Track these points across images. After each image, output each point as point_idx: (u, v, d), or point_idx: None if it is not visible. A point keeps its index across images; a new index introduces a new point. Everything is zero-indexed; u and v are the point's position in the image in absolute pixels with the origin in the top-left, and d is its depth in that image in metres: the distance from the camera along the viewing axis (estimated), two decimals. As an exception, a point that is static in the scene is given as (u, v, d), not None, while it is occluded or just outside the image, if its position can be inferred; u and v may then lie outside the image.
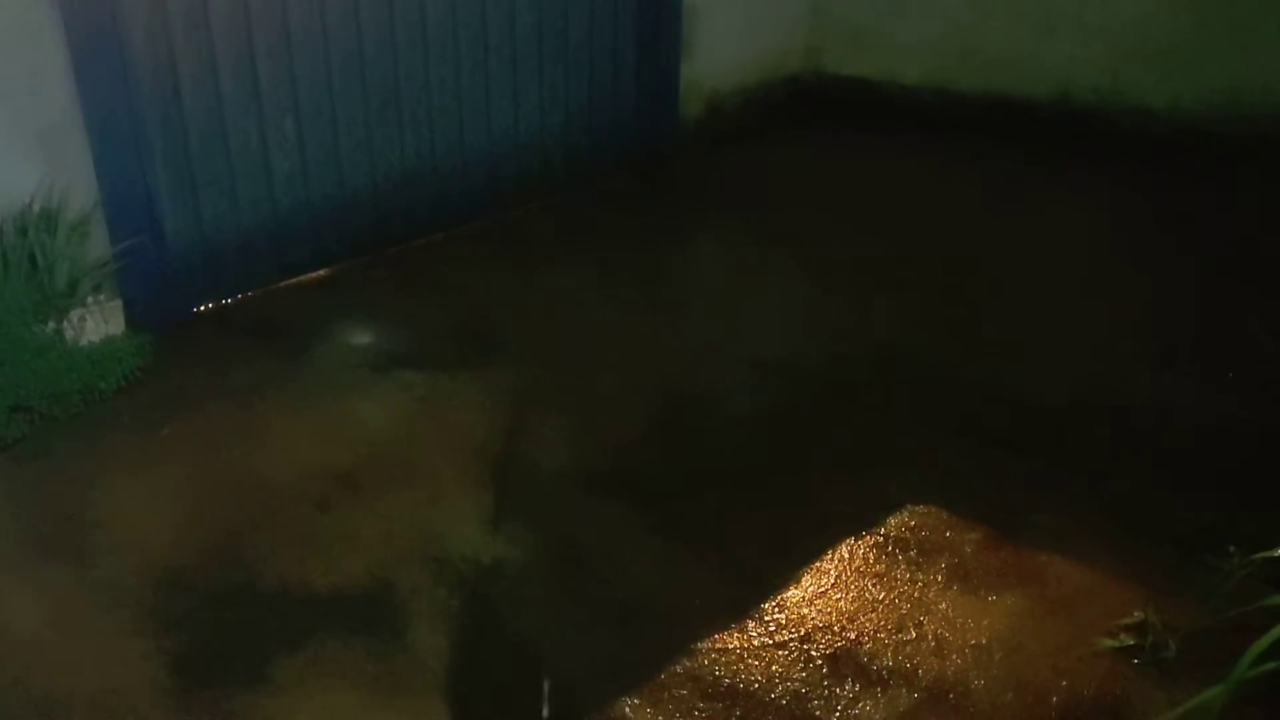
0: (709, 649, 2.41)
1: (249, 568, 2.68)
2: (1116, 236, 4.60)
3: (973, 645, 2.42)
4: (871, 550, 2.73)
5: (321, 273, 4.32)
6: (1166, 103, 5.32)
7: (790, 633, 2.46)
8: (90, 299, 3.57)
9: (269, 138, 4.04)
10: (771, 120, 5.99)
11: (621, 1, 5.17)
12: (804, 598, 2.57)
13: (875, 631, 2.47)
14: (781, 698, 2.29)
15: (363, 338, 3.84)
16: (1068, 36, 5.52)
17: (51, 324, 3.45)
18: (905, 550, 2.73)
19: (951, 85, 5.84)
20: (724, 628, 2.47)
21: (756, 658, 2.39)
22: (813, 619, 2.51)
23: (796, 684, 2.31)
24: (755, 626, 2.48)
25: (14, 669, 2.36)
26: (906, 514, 2.86)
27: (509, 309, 4.06)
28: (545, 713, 2.25)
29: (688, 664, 2.37)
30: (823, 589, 2.60)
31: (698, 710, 2.25)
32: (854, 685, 2.31)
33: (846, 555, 2.72)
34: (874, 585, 2.62)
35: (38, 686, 2.31)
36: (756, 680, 2.32)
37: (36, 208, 3.40)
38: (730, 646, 2.42)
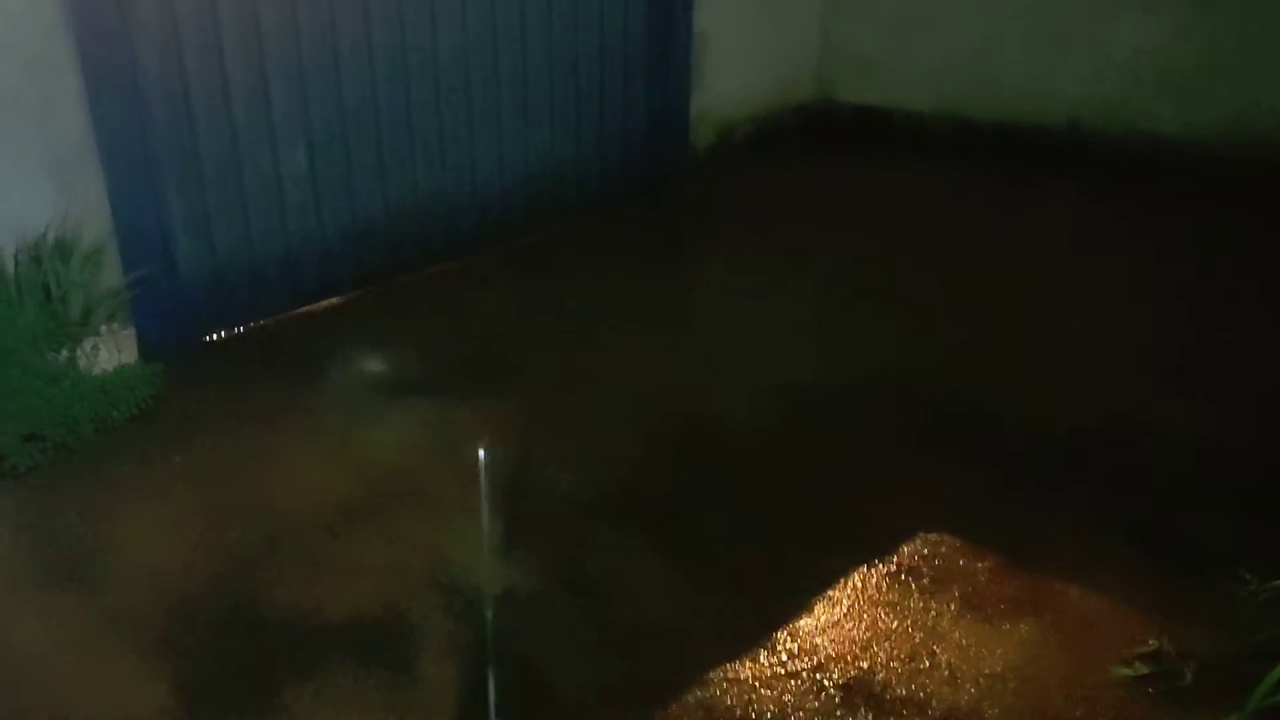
0: (721, 678, 2.40)
1: (259, 595, 2.68)
2: (1127, 260, 4.60)
3: (987, 674, 2.40)
4: (883, 578, 2.72)
5: (333, 300, 4.34)
6: (1177, 128, 5.33)
7: (803, 662, 2.45)
8: (103, 327, 3.58)
9: (282, 168, 4.07)
10: (783, 148, 6.01)
11: (632, 31, 5.21)
12: (816, 626, 2.56)
13: (888, 661, 2.45)
14: (794, 727, 2.27)
15: (373, 364, 3.84)
16: (1078, 63, 5.55)
17: (65, 352, 3.46)
18: (917, 578, 2.71)
19: (962, 113, 5.86)
20: (736, 656, 2.45)
21: (769, 687, 2.37)
22: (825, 648, 2.49)
23: (810, 714, 2.30)
24: (767, 655, 2.46)
25: (25, 695, 2.36)
26: (918, 541, 2.84)
27: (519, 334, 4.07)
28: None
29: (699, 693, 2.35)
30: (835, 618, 2.59)
31: (709, 740, 2.24)
32: (867, 715, 2.29)
33: (858, 583, 2.70)
34: (886, 614, 2.60)
35: (48, 713, 2.31)
36: (769, 710, 2.31)
37: (51, 237, 3.43)
38: (742, 676, 2.40)
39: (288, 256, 4.18)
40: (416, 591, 2.68)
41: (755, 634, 2.52)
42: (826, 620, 2.58)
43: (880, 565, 2.76)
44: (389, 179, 4.43)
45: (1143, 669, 2.37)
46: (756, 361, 3.88)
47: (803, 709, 2.31)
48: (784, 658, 2.46)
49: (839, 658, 2.46)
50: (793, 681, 2.39)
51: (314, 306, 4.29)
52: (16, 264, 3.37)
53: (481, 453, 3.21)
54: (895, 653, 2.47)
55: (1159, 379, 3.65)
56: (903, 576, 2.72)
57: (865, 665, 2.43)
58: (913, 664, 2.43)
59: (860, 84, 6.16)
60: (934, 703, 2.32)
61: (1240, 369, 3.69)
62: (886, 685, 2.37)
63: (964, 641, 2.49)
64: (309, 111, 4.09)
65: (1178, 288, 4.33)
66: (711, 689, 2.36)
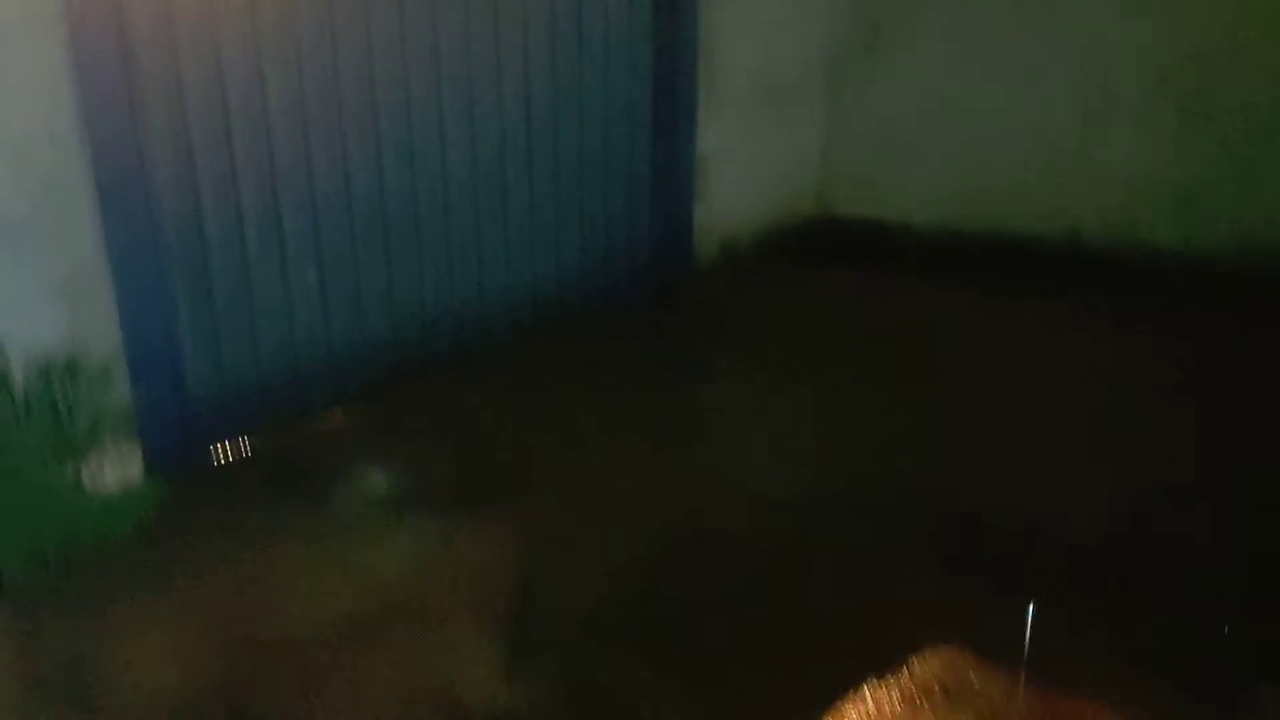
0: (729, 801, 2.33)
1: (260, 717, 2.63)
2: (1126, 374, 4.59)
3: (1003, 796, 2.33)
4: (895, 695, 2.66)
5: (339, 414, 4.35)
6: (1177, 242, 5.37)
7: (813, 783, 2.38)
8: (109, 444, 3.59)
9: (292, 286, 4.12)
10: (785, 262, 6.08)
11: (636, 149, 5.33)
12: (826, 746, 2.50)
13: (901, 782, 2.38)
14: None
15: (378, 480, 3.83)
16: (1076, 177, 5.63)
17: (69, 470, 3.46)
18: (929, 696, 2.65)
19: (962, 226, 5.93)
20: (744, 778, 2.40)
21: (778, 810, 2.31)
22: (836, 768, 2.43)
23: (820, 838, 2.23)
24: (776, 777, 2.40)
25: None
26: (930, 657, 2.79)
27: (525, 449, 4.06)
28: None
29: (707, 817, 2.29)
30: (846, 737, 2.53)
31: None
32: (880, 839, 2.22)
33: (869, 701, 2.64)
34: (899, 732, 2.54)
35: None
36: (779, 834, 2.24)
37: (61, 356, 3.45)
38: (751, 798, 2.34)
39: (295, 371, 4.21)
40: (420, 713, 2.63)
41: (764, 754, 2.47)
42: (837, 740, 2.52)
43: (891, 681, 2.70)
44: (397, 295, 4.48)
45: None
46: (759, 475, 3.86)
47: (814, 834, 2.24)
48: (794, 779, 2.40)
49: (850, 779, 2.39)
50: (803, 804, 2.32)
51: (321, 419, 4.30)
52: (25, 382, 3.40)
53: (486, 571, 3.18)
54: (908, 774, 2.41)
55: (1163, 494, 3.62)
56: (915, 694, 2.66)
57: (878, 787, 2.37)
58: (927, 785, 2.37)
59: (860, 200, 6.25)
60: (949, 826, 2.25)
61: (1245, 483, 3.66)
62: (900, 808, 2.31)
63: (979, 761, 2.43)
64: (320, 234, 4.16)
65: (1179, 401, 4.32)
66: (720, 813, 2.30)
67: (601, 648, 2.88)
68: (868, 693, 2.67)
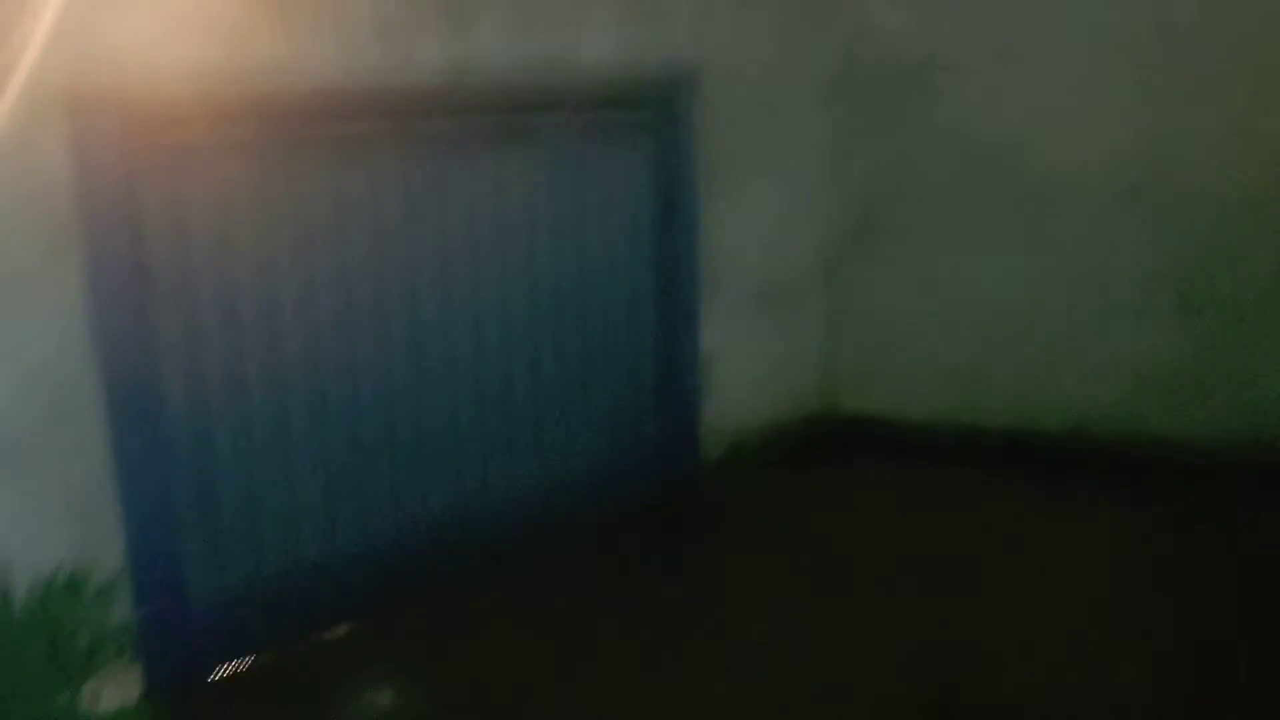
0: None
1: None
2: (1131, 569, 4.56)
3: None
4: None
5: (344, 626, 4.27)
6: (1181, 433, 5.39)
7: None
8: (109, 664, 3.51)
9: (298, 501, 4.13)
10: (791, 458, 6.08)
11: (641, 352, 5.41)
12: None
13: None
14: None
15: (382, 698, 3.75)
16: (1078, 369, 5.68)
17: (68, 691, 3.38)
18: None
19: (965, 420, 5.95)
20: None
21: None
22: None
23: None
24: None
25: None
26: None
27: (532, 660, 3.99)
28: None
29: None
30: None
31: None
32: None
33: None
34: None
35: None
36: None
37: (62, 572, 3.42)
38: None
39: (300, 584, 4.17)
40: None
41: None
42: None
43: None
44: (403, 505, 4.48)
45: None
46: (770, 687, 3.78)
47: None
48: None
49: None
50: None
51: (325, 632, 4.23)
52: (28, 601, 3.35)
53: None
54: None
55: (1173, 698, 3.54)
56: None
57: None
58: None
59: (863, 395, 6.30)
60: None
61: (1253, 689, 3.57)
62: None
63: None
64: (327, 446, 4.21)
65: (1184, 595, 4.27)
66: None
67: None
68: None
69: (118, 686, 3.55)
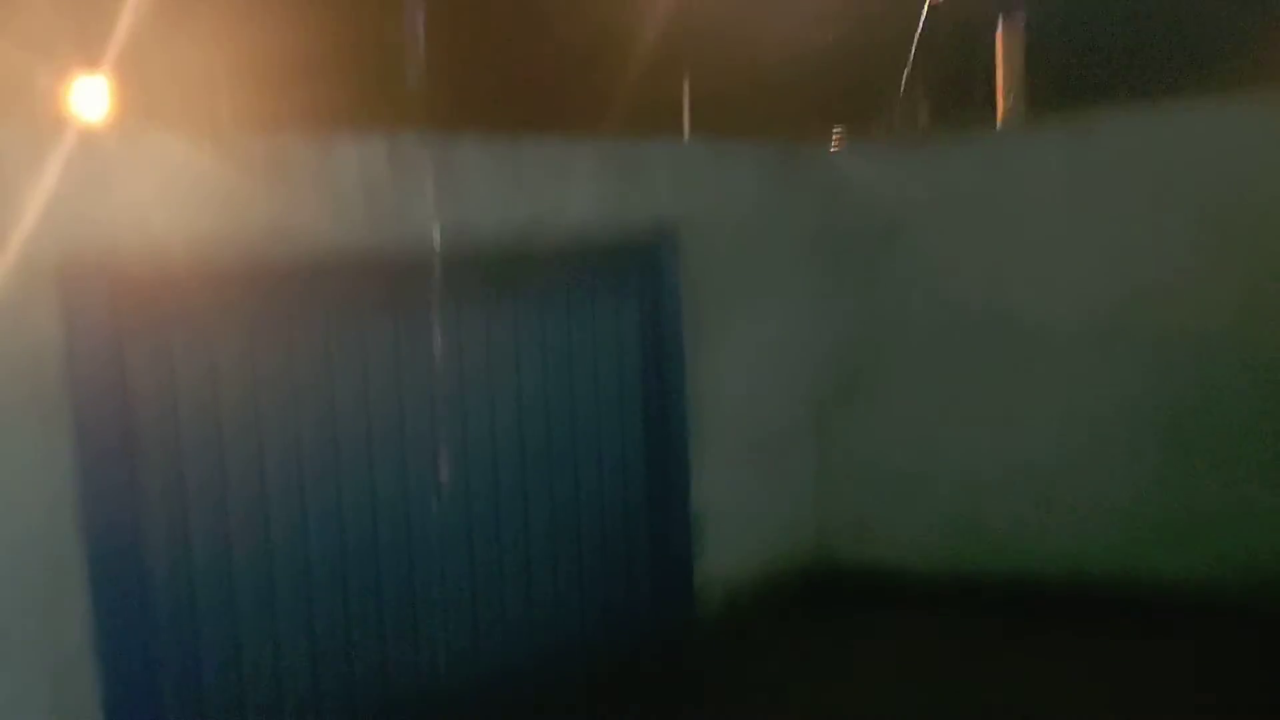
0: None
1: None
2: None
3: None
4: None
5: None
6: (1180, 574, 5.32)
7: None
8: None
9: (283, 668, 4.04)
10: (787, 610, 5.95)
11: (631, 511, 5.36)
12: None
13: None
14: None
15: None
16: (1075, 511, 5.64)
17: None
18: None
19: (962, 568, 5.87)
20: None
21: None
22: None
23: None
24: None
25: None
26: None
27: None
28: None
29: None
30: None
31: None
32: None
33: None
34: None
35: None
36: None
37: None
38: None
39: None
40: None
41: None
42: None
43: None
44: (391, 672, 4.37)
45: None
46: None
47: None
48: None
49: None
50: None
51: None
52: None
53: None
54: None
55: None
56: None
57: None
58: None
59: (859, 544, 6.21)
60: None
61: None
62: None
63: None
64: (313, 610, 4.13)
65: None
66: None
67: None
68: None
69: None
